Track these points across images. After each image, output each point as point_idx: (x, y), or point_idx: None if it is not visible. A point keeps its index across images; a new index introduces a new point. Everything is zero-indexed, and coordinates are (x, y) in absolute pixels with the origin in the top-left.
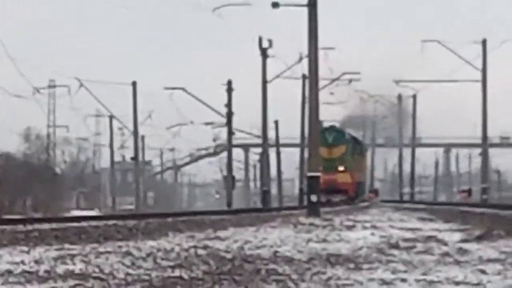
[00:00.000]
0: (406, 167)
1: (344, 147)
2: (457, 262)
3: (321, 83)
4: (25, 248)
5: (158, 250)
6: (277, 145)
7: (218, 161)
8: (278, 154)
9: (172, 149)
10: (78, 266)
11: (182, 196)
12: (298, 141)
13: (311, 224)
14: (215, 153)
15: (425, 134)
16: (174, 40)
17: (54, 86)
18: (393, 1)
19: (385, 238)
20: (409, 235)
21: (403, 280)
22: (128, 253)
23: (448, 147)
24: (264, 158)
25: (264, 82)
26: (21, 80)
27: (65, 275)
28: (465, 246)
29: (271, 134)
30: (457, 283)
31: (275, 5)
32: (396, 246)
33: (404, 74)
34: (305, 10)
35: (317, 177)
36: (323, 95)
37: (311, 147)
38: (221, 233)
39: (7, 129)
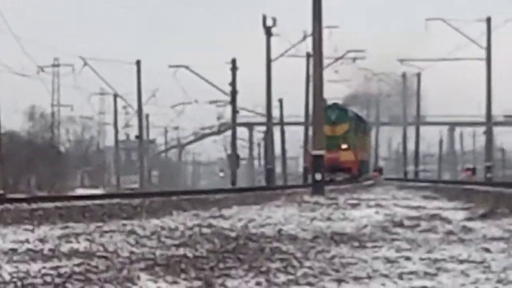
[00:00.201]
0: (411, 146)
1: (347, 125)
2: (461, 241)
3: (326, 61)
4: (30, 227)
5: (163, 228)
6: (282, 123)
7: (223, 139)
8: (282, 132)
9: (176, 128)
10: (83, 245)
11: (186, 174)
12: (302, 119)
13: (315, 202)
14: (219, 132)
15: (429, 112)
16: (178, 23)
17: (58, 65)
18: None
19: (389, 216)
20: (413, 213)
21: (407, 258)
22: (132, 232)
23: (452, 125)
24: (268, 137)
25: (269, 60)
26: (25, 58)
27: (69, 253)
28: (469, 224)
29: (276, 112)
30: (461, 261)
31: None
32: (400, 225)
33: (409, 52)
34: None
35: (322, 156)
36: (327, 73)
37: (315, 126)
38: (226, 212)
39: (11, 108)
